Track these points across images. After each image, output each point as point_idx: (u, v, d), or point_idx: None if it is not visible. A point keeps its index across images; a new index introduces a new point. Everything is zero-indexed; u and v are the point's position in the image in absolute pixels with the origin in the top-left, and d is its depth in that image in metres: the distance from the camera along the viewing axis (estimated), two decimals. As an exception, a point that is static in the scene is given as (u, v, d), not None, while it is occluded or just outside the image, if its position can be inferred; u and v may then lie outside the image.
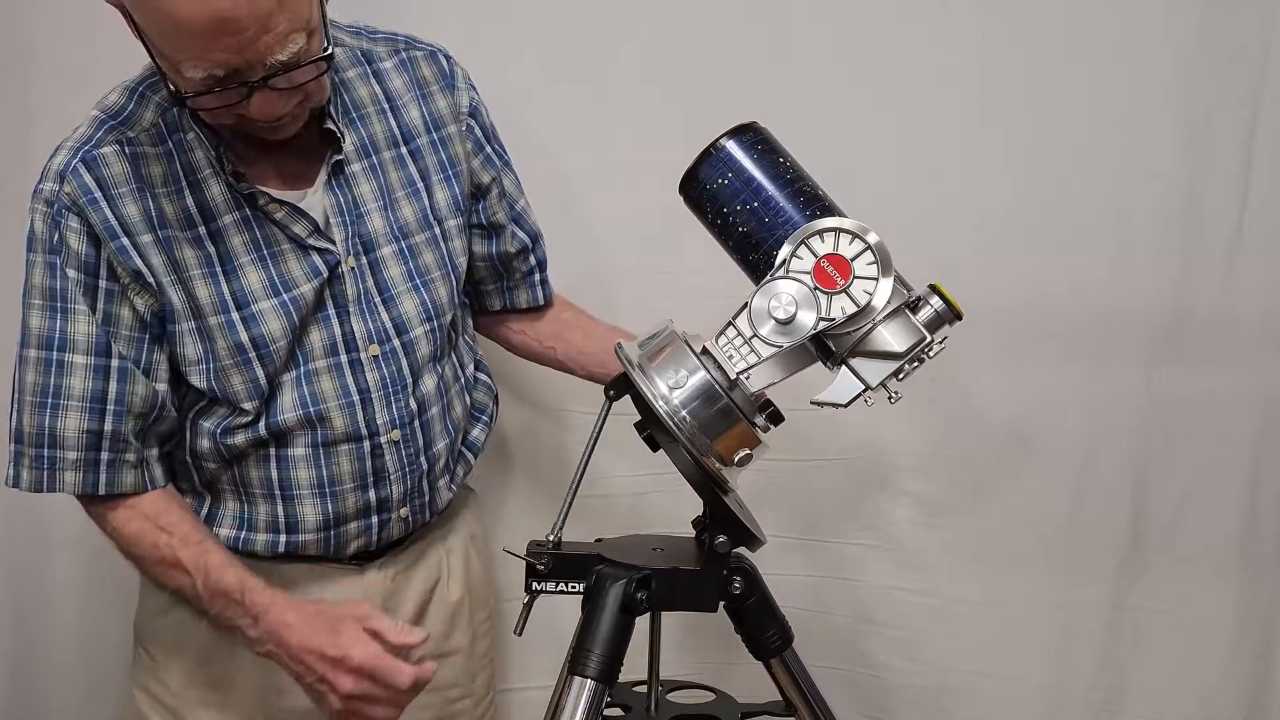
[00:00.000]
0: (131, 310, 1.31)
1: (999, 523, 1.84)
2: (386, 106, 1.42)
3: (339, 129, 1.35)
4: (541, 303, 1.61)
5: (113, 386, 1.30)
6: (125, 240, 1.28)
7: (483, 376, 1.61)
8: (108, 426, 1.31)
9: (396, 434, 1.41)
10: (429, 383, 1.44)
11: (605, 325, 1.60)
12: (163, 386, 1.34)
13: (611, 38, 1.77)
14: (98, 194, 1.27)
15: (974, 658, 1.88)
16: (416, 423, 1.43)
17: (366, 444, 1.40)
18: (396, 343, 1.40)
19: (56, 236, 1.28)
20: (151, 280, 1.30)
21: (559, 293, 1.64)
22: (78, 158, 1.28)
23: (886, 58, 1.75)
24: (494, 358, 1.68)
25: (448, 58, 1.48)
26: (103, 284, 1.29)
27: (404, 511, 1.46)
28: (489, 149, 1.50)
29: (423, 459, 1.45)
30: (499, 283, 1.59)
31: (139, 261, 1.29)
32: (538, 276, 1.60)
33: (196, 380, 1.35)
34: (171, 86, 1.19)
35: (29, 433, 1.31)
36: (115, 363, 1.30)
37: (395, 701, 1.27)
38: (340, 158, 1.36)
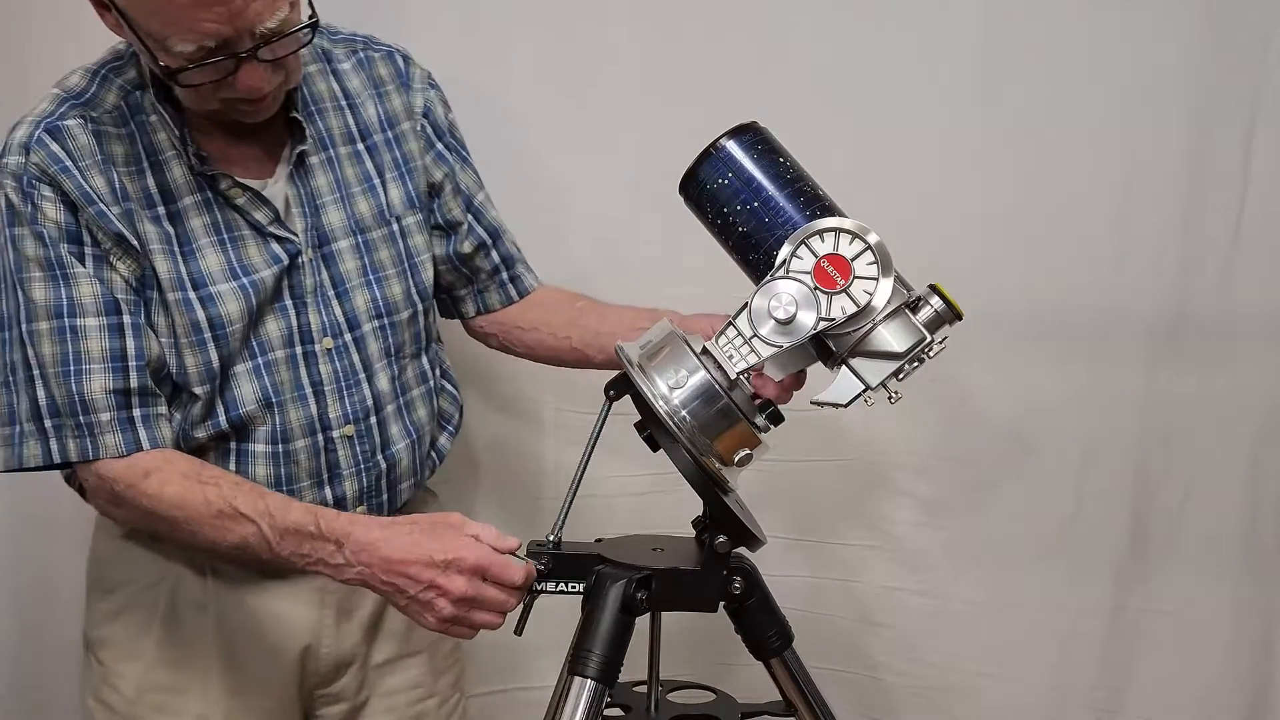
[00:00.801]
0: (120, 275, 1.29)
1: (999, 523, 1.84)
2: (344, 104, 1.43)
3: (302, 118, 1.36)
4: (516, 299, 1.59)
5: (130, 343, 1.28)
6: (100, 206, 1.26)
7: (447, 385, 1.60)
8: (134, 383, 1.28)
9: (350, 429, 1.41)
10: (383, 380, 1.44)
11: (619, 306, 1.57)
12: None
13: (611, 38, 1.78)
14: (68, 163, 1.25)
15: (974, 658, 1.89)
16: (372, 419, 1.43)
17: (320, 438, 1.40)
18: (348, 337, 1.41)
19: (32, 208, 1.25)
20: (134, 243, 1.28)
21: (564, 286, 1.62)
22: (40, 129, 1.26)
23: (886, 57, 1.75)
24: (460, 359, 1.67)
25: (406, 58, 1.49)
26: (89, 250, 1.27)
27: (360, 510, 1.44)
28: (439, 145, 1.50)
29: (380, 458, 1.44)
30: (469, 287, 1.58)
31: (118, 224, 1.27)
32: (505, 275, 1.58)
33: (167, 354, 1.32)
34: (161, 64, 1.19)
35: (61, 404, 1.26)
36: (128, 319, 1.28)
37: (501, 606, 1.21)
38: (305, 148, 1.36)
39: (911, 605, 1.89)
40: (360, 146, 1.43)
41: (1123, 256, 1.76)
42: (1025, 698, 1.89)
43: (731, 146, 1.17)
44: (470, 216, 1.53)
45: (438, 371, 1.55)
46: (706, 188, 1.18)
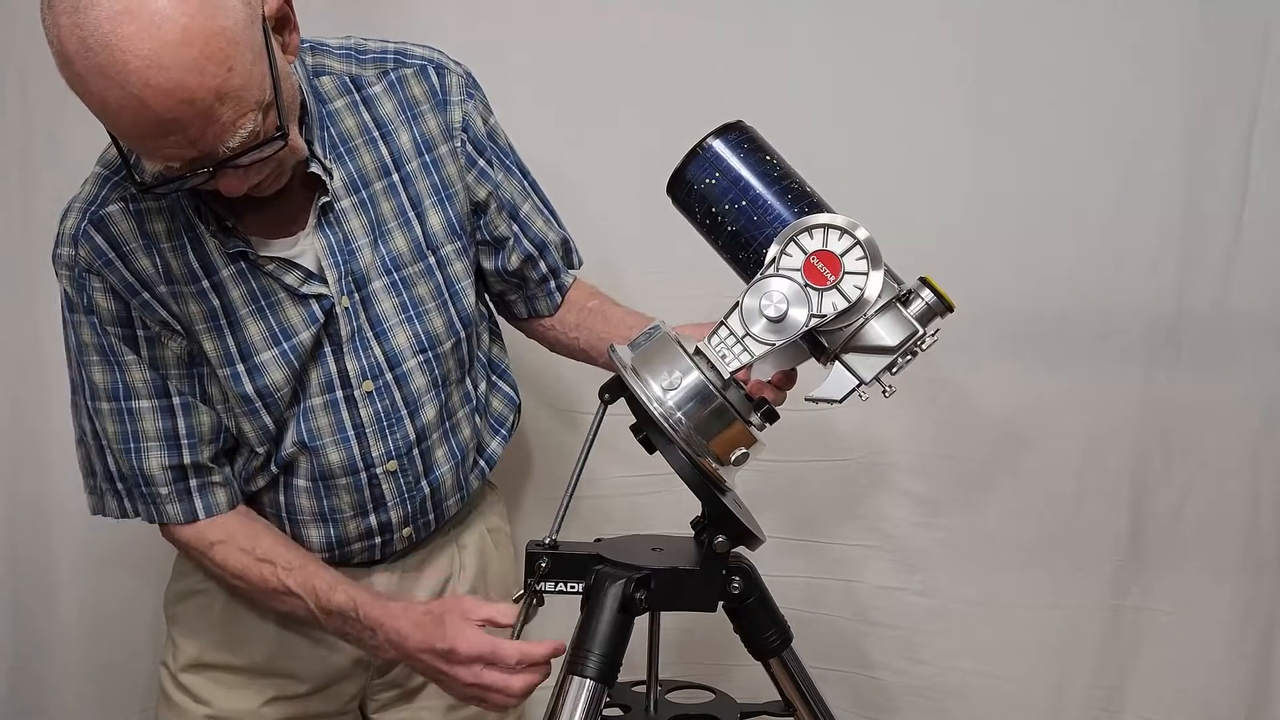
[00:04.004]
0: (172, 351, 1.35)
1: (998, 523, 1.84)
2: (376, 135, 1.38)
3: (325, 168, 1.32)
4: (559, 308, 1.59)
5: (180, 422, 1.37)
6: (145, 294, 1.31)
7: (504, 386, 1.60)
8: (187, 459, 1.38)
9: (393, 464, 1.43)
10: (429, 412, 1.44)
11: (625, 310, 1.57)
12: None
13: (610, 37, 1.79)
14: (111, 255, 1.29)
15: (973, 658, 1.89)
16: (415, 451, 1.44)
17: (363, 475, 1.42)
18: (390, 376, 1.40)
19: (86, 298, 1.31)
20: (179, 327, 1.33)
21: (583, 278, 1.61)
22: (86, 220, 1.30)
23: (885, 56, 1.76)
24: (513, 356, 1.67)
25: (440, 69, 1.42)
26: (140, 333, 1.33)
27: (406, 531, 1.48)
28: (481, 162, 1.45)
29: (423, 484, 1.46)
30: (520, 292, 1.57)
31: (163, 311, 1.32)
32: (553, 284, 1.56)
33: (225, 419, 1.39)
34: (136, 179, 1.19)
35: (128, 475, 1.38)
36: (177, 400, 1.36)
37: (504, 689, 1.26)
38: (328, 199, 1.34)
39: (910, 605, 1.89)
40: (395, 178, 1.39)
41: (1122, 256, 1.76)
42: (1023, 697, 1.89)
43: (718, 146, 1.17)
44: (516, 229, 1.50)
45: (484, 384, 1.55)
46: (694, 188, 1.18)
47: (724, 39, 1.77)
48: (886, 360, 1.12)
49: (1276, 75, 1.69)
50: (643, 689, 1.36)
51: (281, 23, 1.20)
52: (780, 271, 1.11)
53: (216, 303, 1.33)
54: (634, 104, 1.79)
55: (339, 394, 1.39)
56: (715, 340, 1.14)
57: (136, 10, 1.03)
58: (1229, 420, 1.78)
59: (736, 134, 1.18)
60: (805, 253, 1.11)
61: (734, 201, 1.16)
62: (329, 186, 1.33)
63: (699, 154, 1.17)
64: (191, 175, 1.15)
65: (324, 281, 1.35)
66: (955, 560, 1.86)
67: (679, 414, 1.14)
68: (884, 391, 1.15)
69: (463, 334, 1.46)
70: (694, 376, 1.14)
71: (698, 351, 1.15)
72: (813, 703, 1.34)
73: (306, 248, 1.35)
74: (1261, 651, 1.83)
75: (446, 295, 1.43)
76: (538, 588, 1.23)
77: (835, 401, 1.15)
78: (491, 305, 1.60)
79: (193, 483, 1.38)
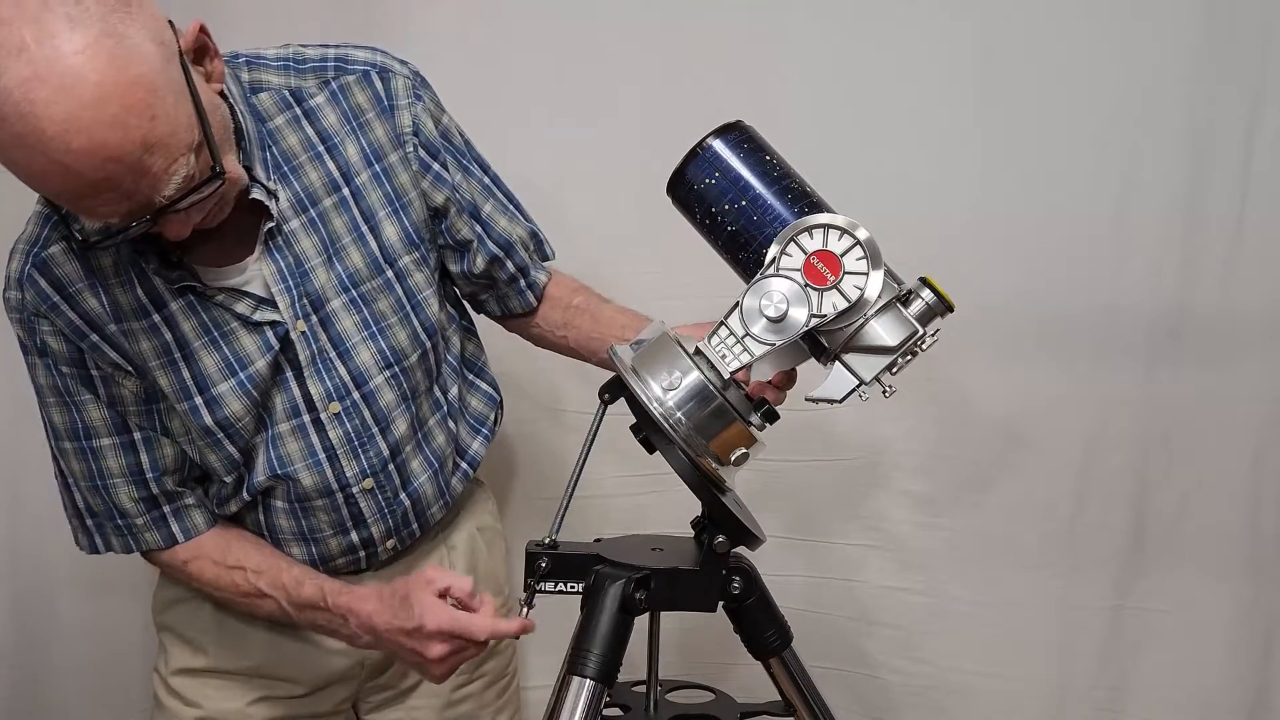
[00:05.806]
0: (129, 390, 1.33)
1: (999, 522, 1.84)
2: (322, 149, 1.33)
3: (268, 191, 1.28)
4: (535, 304, 1.56)
5: (144, 456, 1.36)
6: (94, 336, 1.29)
7: (482, 385, 1.58)
8: (154, 489, 1.37)
9: (369, 482, 1.41)
10: (400, 426, 1.42)
11: (614, 307, 1.54)
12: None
13: (609, 36, 1.79)
14: (57, 298, 1.27)
15: (973, 657, 1.89)
16: (390, 467, 1.42)
17: (339, 496, 1.40)
18: (357, 396, 1.38)
19: (38, 340, 1.29)
20: (129, 367, 1.31)
21: (573, 276, 1.59)
22: (30, 263, 1.27)
23: (887, 57, 1.75)
24: (496, 356, 1.66)
25: (383, 73, 1.36)
26: (94, 372, 1.32)
27: (390, 544, 1.47)
28: (435, 166, 1.40)
29: (403, 497, 1.45)
30: (491, 292, 1.54)
31: (113, 353, 1.30)
32: (523, 282, 1.53)
33: (188, 450, 1.38)
34: (78, 236, 1.17)
35: (98, 510, 1.38)
36: (138, 435, 1.35)
37: (476, 654, 1.30)
38: (272, 225, 1.29)
39: (911, 604, 1.89)
40: (345, 192, 1.34)
41: (1123, 255, 1.76)
42: (1024, 697, 1.89)
43: (718, 145, 1.17)
44: (479, 230, 1.46)
45: (455, 388, 1.52)
46: (694, 188, 1.18)
47: (724, 39, 1.76)
48: (886, 360, 1.13)
49: (1276, 75, 1.69)
50: (643, 689, 1.36)
51: (200, 53, 1.15)
52: (780, 271, 1.11)
53: (169, 337, 1.30)
54: (633, 104, 1.79)
55: (305, 418, 1.37)
56: (715, 340, 1.14)
57: (45, 73, 0.99)
58: (1230, 420, 1.78)
59: (736, 134, 1.18)
60: (805, 253, 1.11)
61: (734, 201, 1.16)
62: (273, 210, 1.29)
63: (699, 154, 1.18)
64: (131, 227, 1.11)
65: (276, 307, 1.32)
66: (956, 560, 1.86)
67: (679, 414, 1.14)
68: (884, 391, 1.15)
69: (428, 344, 1.43)
70: (694, 376, 1.14)
71: (698, 351, 1.15)
72: (813, 703, 1.35)
73: (255, 274, 1.31)
74: (1263, 651, 1.83)
75: (408, 308, 1.40)
76: (537, 588, 1.23)
77: (835, 401, 1.15)
78: (467, 305, 1.58)
79: (166, 509, 1.38)
